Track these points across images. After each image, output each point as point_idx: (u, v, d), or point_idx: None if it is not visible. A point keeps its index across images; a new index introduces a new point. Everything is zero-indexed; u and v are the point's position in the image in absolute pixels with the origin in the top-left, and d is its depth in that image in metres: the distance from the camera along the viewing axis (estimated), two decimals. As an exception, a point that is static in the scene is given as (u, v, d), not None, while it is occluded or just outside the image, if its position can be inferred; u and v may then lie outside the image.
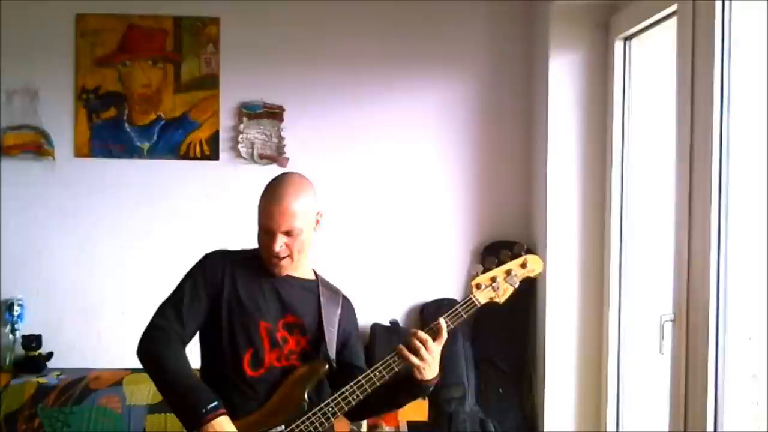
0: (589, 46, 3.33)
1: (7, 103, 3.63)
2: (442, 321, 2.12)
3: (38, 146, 3.65)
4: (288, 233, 2.15)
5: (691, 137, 2.34)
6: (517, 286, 2.21)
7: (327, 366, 2.19)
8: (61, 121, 3.66)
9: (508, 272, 2.20)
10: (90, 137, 3.68)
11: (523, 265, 2.21)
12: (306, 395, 2.14)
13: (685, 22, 2.40)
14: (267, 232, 2.17)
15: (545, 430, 3.45)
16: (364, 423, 3.22)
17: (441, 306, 3.71)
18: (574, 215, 3.38)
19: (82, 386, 3.30)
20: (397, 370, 2.11)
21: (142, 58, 3.68)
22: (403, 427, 3.46)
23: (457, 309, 2.16)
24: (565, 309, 3.39)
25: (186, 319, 2.18)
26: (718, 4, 2.22)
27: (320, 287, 2.29)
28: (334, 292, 2.33)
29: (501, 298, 2.19)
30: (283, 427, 2.12)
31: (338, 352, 2.27)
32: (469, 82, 3.77)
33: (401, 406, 2.41)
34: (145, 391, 3.29)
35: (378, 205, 3.78)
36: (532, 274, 2.23)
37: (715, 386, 2.24)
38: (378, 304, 3.68)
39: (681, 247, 2.40)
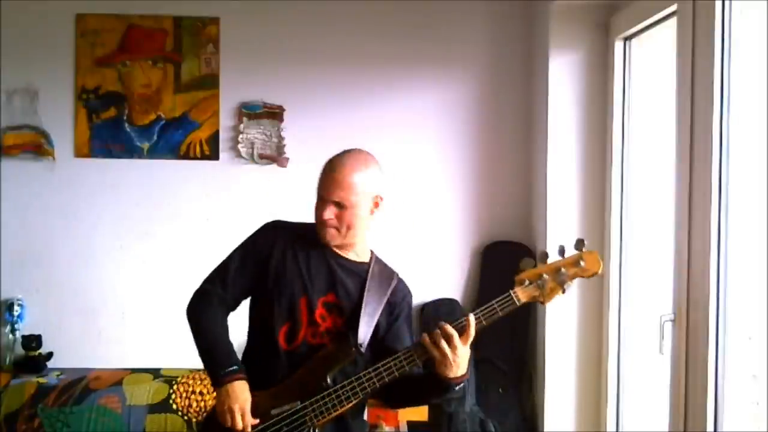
0: (589, 46, 3.33)
1: (7, 103, 3.63)
2: (471, 317, 2.05)
3: (38, 146, 3.65)
4: (338, 204, 2.15)
5: (691, 137, 2.34)
6: (567, 286, 2.00)
7: (354, 352, 2.15)
8: (61, 121, 3.66)
9: (558, 270, 2.00)
10: (90, 137, 3.68)
11: (576, 263, 1.99)
12: (329, 377, 2.13)
13: (685, 22, 2.40)
14: (320, 198, 2.17)
15: (545, 430, 3.45)
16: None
17: (441, 306, 3.72)
18: (574, 215, 3.38)
19: (82, 386, 3.30)
20: (418, 361, 2.08)
21: (142, 58, 3.68)
22: (403, 427, 3.46)
23: (492, 305, 2.04)
24: (565, 309, 3.39)
25: (230, 284, 2.22)
26: (718, 4, 2.22)
27: (370, 272, 2.25)
28: (388, 276, 2.28)
29: (546, 299, 2.02)
30: (299, 403, 2.12)
31: (382, 337, 2.23)
32: (469, 83, 3.77)
33: (428, 401, 2.39)
34: (145, 391, 3.29)
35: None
36: (586, 275, 2.01)
37: (715, 386, 2.24)
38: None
39: (681, 247, 2.39)
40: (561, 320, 3.40)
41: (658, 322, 2.51)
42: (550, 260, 2.04)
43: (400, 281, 2.31)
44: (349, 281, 2.23)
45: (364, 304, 2.19)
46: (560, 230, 3.39)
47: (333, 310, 2.20)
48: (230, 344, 2.19)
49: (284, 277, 2.20)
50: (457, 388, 2.11)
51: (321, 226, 2.19)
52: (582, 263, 2.00)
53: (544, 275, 2.00)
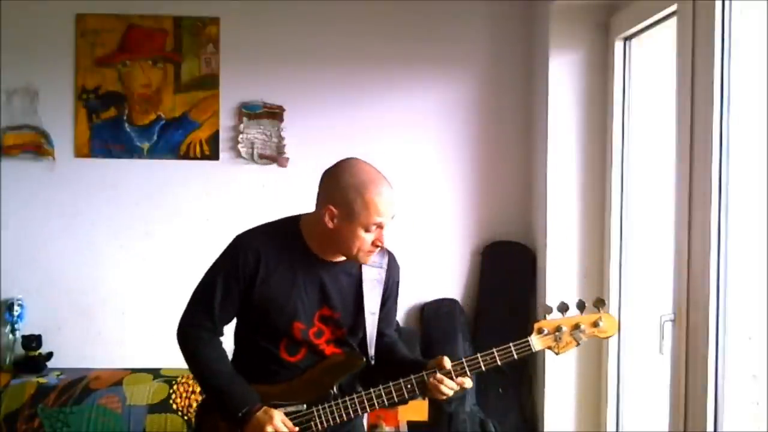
0: (589, 46, 3.33)
1: (7, 103, 3.63)
2: (480, 357, 2.06)
3: (38, 146, 3.65)
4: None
5: (691, 137, 2.34)
6: (581, 343, 2.05)
7: (364, 363, 2.14)
8: (61, 121, 3.66)
9: (576, 326, 2.04)
10: (90, 137, 3.68)
11: (595, 324, 2.04)
12: (336, 385, 2.12)
13: (685, 22, 2.40)
14: (379, 225, 2.06)
15: (545, 430, 3.45)
16: (365, 423, 3.21)
17: (441, 306, 3.71)
18: (574, 215, 3.38)
19: (82, 386, 3.30)
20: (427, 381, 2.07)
21: (142, 58, 3.68)
22: (403, 427, 3.46)
23: (509, 347, 2.05)
24: (565, 309, 3.38)
25: (218, 316, 2.12)
26: (718, 4, 2.22)
27: (363, 266, 2.16)
28: (380, 255, 2.19)
29: (560, 350, 2.05)
30: (304, 406, 2.10)
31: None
32: (469, 82, 3.77)
33: None
34: (145, 391, 3.29)
35: (378, 205, 3.77)
36: (601, 335, 2.07)
37: (715, 386, 2.24)
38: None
39: (681, 247, 2.39)
40: (561, 320, 3.39)
41: (658, 322, 2.51)
42: (569, 313, 2.07)
43: (391, 256, 2.26)
44: (342, 288, 2.16)
45: (366, 307, 2.16)
46: (560, 230, 3.39)
47: (330, 323, 2.16)
48: (238, 378, 2.11)
49: (274, 300, 2.09)
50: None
51: (369, 252, 2.09)
52: (601, 324, 2.06)
53: (563, 327, 2.04)
